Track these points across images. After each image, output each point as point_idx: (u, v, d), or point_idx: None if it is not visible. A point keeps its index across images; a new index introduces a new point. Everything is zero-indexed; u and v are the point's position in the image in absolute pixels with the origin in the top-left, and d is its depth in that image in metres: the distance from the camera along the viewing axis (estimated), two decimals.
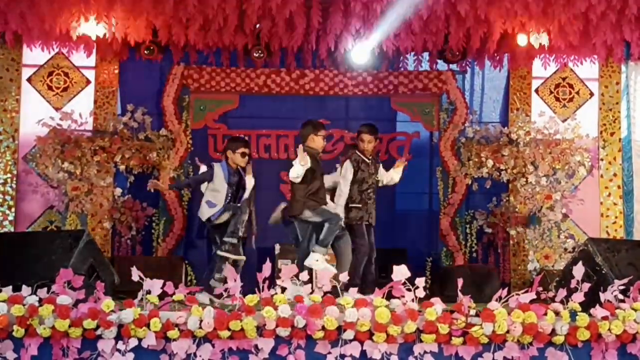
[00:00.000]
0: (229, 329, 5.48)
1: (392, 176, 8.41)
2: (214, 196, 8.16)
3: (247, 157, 8.37)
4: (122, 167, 10.40)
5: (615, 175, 10.86)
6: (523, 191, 10.60)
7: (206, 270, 8.24)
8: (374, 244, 8.06)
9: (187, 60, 10.64)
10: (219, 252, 7.99)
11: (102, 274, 6.57)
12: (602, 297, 5.89)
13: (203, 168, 8.52)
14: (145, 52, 10.27)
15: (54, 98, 10.63)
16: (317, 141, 7.87)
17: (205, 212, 8.18)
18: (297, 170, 7.58)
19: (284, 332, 5.52)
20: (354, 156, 8.02)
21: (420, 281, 5.74)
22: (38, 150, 10.27)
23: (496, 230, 10.65)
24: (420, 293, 5.70)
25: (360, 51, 10.09)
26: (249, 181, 8.52)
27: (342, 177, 7.95)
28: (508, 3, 8.51)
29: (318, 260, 7.43)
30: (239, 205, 8.16)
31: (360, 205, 7.93)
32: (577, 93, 11.09)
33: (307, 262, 7.48)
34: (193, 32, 9.51)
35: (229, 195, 8.17)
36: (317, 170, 7.73)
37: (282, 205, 8.32)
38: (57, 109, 10.54)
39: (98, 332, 5.47)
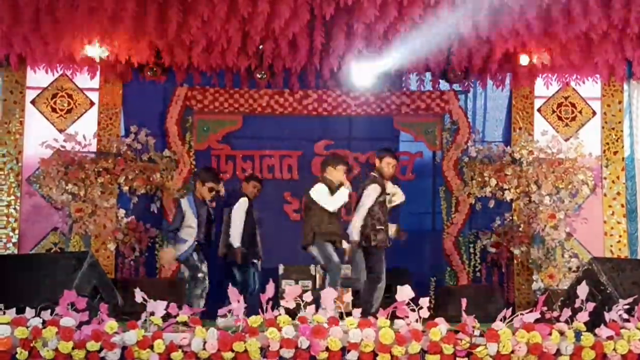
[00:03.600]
0: (232, 351, 5.46)
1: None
2: (185, 232, 8.13)
3: (214, 193, 8.31)
4: (125, 189, 10.40)
5: (618, 194, 10.86)
6: (526, 210, 10.59)
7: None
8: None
9: (191, 81, 10.69)
10: None
11: (106, 295, 6.56)
12: (607, 316, 5.88)
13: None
14: (149, 73, 10.31)
15: (57, 120, 10.66)
16: (334, 174, 7.85)
17: (178, 249, 8.13)
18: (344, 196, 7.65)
19: (287, 353, 5.50)
20: (378, 180, 8.03)
21: (424, 301, 5.73)
22: (42, 172, 10.29)
23: (500, 250, 10.63)
24: (424, 313, 5.68)
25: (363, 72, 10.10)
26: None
27: (366, 197, 7.94)
28: (510, 23, 8.54)
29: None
30: (198, 274, 8.06)
31: (384, 228, 7.96)
32: (580, 112, 11.10)
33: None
34: (196, 54, 9.56)
35: (199, 229, 8.16)
36: None
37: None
38: (60, 131, 10.57)
39: (102, 354, 5.45)
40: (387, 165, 8.10)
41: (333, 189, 7.79)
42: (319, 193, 7.78)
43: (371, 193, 7.93)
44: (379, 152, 8.28)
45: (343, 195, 7.74)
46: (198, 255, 8.15)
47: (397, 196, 8.34)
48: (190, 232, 8.12)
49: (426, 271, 10.77)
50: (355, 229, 7.86)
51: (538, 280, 10.32)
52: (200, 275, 8.05)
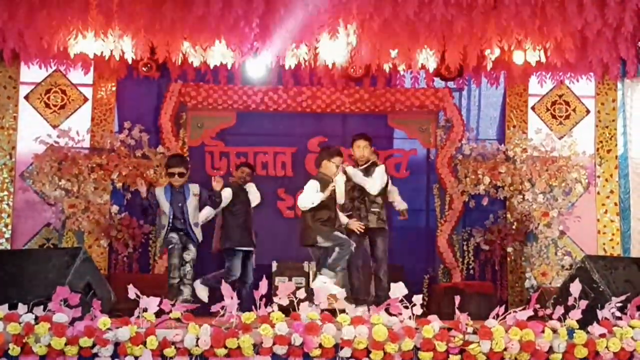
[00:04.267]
0: (225, 347, 5.46)
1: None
2: (163, 218, 8.28)
3: (177, 176, 8.42)
4: (119, 185, 10.40)
5: (612, 192, 10.87)
6: (520, 208, 10.61)
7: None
8: (380, 257, 8.12)
9: (185, 77, 10.66)
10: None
11: (99, 291, 6.54)
12: (600, 314, 5.88)
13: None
14: (143, 69, 10.26)
15: (51, 115, 10.64)
16: (329, 167, 7.89)
17: (161, 235, 8.31)
18: (312, 199, 7.71)
19: (281, 350, 5.49)
20: (341, 167, 8.12)
21: (418, 298, 5.73)
22: (35, 168, 10.27)
23: (493, 248, 10.64)
24: (418, 310, 5.69)
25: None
26: (253, 197, 8.74)
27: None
28: (504, 20, 8.53)
29: (326, 282, 7.44)
30: (169, 245, 8.26)
31: (350, 213, 7.99)
32: (574, 110, 11.12)
33: (314, 285, 7.49)
34: (190, 50, 9.53)
35: (171, 216, 8.33)
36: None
37: None
38: (54, 127, 10.55)
39: (94, 350, 5.44)
40: (357, 148, 8.28)
41: (327, 184, 7.82)
42: (305, 188, 7.84)
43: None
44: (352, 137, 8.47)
45: (310, 190, 7.80)
46: (178, 236, 8.34)
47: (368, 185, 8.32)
48: (164, 217, 8.39)
49: (419, 268, 10.80)
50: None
51: (531, 277, 10.34)
52: (170, 246, 8.29)
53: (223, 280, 8.04)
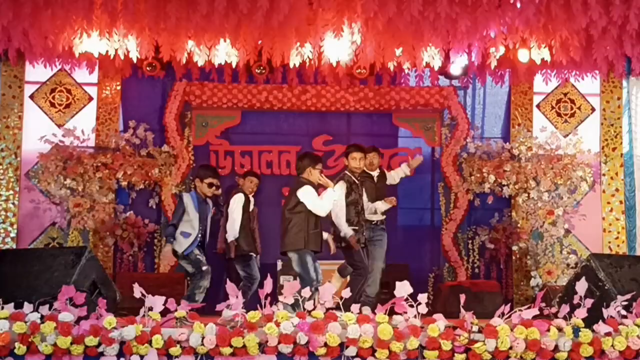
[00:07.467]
0: (231, 346, 5.46)
1: (393, 177, 8.84)
2: (188, 226, 8.22)
3: (214, 188, 8.39)
4: (124, 184, 10.42)
5: (617, 190, 10.86)
6: (525, 207, 10.60)
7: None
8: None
9: (189, 76, 10.67)
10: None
11: (104, 290, 6.55)
12: (605, 313, 5.87)
13: None
14: (148, 68, 10.30)
15: (56, 115, 10.66)
16: (314, 175, 7.81)
17: (182, 244, 8.22)
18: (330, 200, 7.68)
19: (286, 348, 5.50)
20: (346, 177, 8.07)
21: (423, 297, 5.73)
22: (40, 167, 10.30)
23: (498, 246, 10.64)
24: (423, 309, 5.68)
25: None
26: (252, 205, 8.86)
27: (340, 198, 7.94)
28: (509, 19, 8.51)
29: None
30: (203, 267, 8.17)
31: (357, 228, 7.97)
32: (579, 108, 11.11)
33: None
34: (195, 49, 9.53)
35: (200, 225, 8.30)
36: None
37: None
38: (59, 126, 10.57)
39: (100, 349, 5.45)
40: (353, 160, 8.22)
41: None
42: (309, 195, 7.70)
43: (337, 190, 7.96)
44: (347, 147, 8.48)
45: (332, 197, 7.73)
46: (198, 250, 8.23)
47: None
48: (193, 225, 8.22)
49: (425, 267, 10.80)
50: (344, 225, 7.91)
51: (536, 276, 10.32)
52: (205, 267, 8.20)
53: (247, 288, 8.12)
